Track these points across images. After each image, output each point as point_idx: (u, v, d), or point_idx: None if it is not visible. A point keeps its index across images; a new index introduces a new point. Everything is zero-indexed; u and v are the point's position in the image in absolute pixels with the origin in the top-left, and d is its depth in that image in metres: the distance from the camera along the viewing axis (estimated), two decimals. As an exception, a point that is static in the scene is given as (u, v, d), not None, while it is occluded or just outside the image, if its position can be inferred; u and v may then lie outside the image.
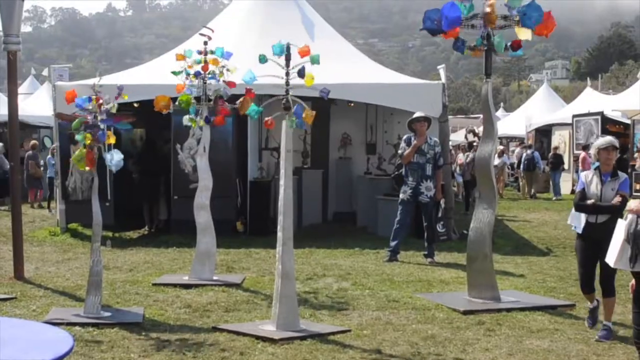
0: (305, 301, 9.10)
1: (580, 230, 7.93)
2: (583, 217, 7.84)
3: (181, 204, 14.05)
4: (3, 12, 10.77)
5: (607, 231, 7.13)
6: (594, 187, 7.76)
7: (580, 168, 24.59)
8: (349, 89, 14.73)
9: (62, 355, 4.17)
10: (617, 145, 7.84)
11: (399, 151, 12.60)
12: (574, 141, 26.95)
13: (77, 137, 8.37)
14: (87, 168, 8.42)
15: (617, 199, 7.57)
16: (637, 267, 5.75)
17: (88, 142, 8.34)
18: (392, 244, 12.29)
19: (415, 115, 12.49)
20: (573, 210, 7.97)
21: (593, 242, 7.68)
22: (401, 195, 12.42)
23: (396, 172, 13.03)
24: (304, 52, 7.79)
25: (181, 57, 10.47)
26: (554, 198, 25.51)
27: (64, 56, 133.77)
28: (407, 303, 9.10)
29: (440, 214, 13.49)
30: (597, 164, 7.91)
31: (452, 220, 14.70)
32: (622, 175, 7.81)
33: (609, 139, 7.91)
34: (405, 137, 12.54)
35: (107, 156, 8.36)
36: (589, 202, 7.69)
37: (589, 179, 7.87)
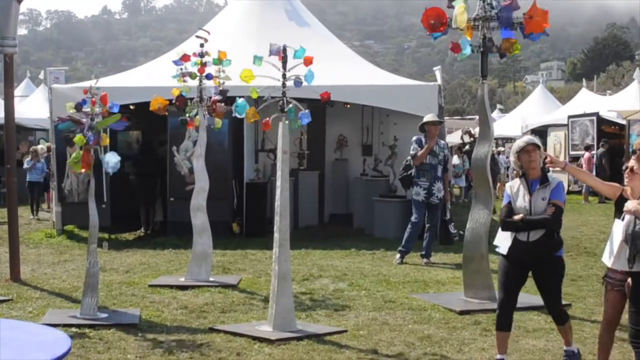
0: (301, 302, 9.12)
1: (504, 251, 6.70)
2: (510, 235, 6.65)
3: (177, 206, 14.07)
4: (-1, 14, 10.77)
5: (543, 250, 6.55)
6: (522, 199, 6.60)
7: (584, 168, 24.62)
8: (345, 91, 14.75)
9: (60, 357, 4.18)
10: (539, 143, 6.73)
11: (411, 152, 12.33)
12: (570, 142, 27.00)
13: (75, 138, 8.38)
14: (83, 170, 8.43)
15: (550, 210, 6.47)
16: (636, 267, 5.71)
17: (83, 143, 8.36)
18: (408, 245, 12.21)
19: (429, 119, 12.31)
20: (500, 229, 6.82)
21: (523, 264, 6.62)
22: (415, 197, 12.27)
23: (404, 174, 12.80)
24: (308, 62, 7.87)
25: (186, 59, 10.47)
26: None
27: (60, 59, 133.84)
28: (403, 303, 9.12)
29: (448, 215, 13.32)
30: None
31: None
32: (554, 180, 6.66)
33: (526, 138, 6.82)
34: (415, 138, 12.40)
35: (105, 158, 8.38)
36: (517, 217, 6.54)
37: (515, 189, 6.71)
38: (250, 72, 7.82)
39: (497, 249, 6.84)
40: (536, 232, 6.51)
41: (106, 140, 8.54)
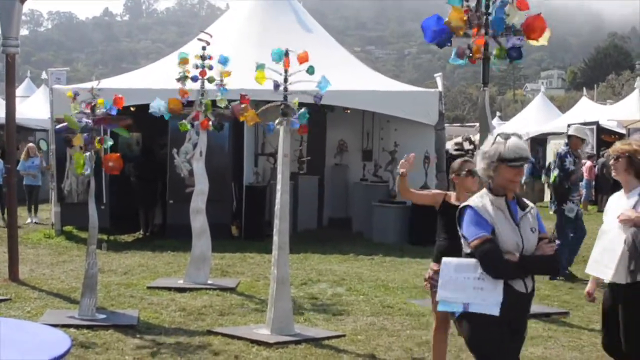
0: (299, 306, 9.12)
1: (496, 311, 4.36)
2: (498, 285, 4.38)
3: (176, 208, 14.06)
4: (2, 15, 10.78)
5: (528, 304, 4.58)
6: (510, 230, 4.43)
7: (585, 177, 24.50)
8: (346, 96, 14.77)
9: (59, 357, 4.17)
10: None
11: (571, 167, 11.41)
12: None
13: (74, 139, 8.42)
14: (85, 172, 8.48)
15: (549, 247, 4.48)
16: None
17: (78, 143, 8.42)
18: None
19: (580, 134, 11.65)
20: (444, 277, 4.50)
21: (517, 326, 4.60)
22: (569, 214, 11.56)
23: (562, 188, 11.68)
24: (303, 59, 7.86)
25: (185, 62, 10.48)
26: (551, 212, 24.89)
27: (61, 60, 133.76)
28: (401, 309, 9.12)
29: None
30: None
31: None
32: (529, 203, 4.67)
33: (513, 140, 4.50)
34: (564, 151, 11.56)
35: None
36: (512, 257, 4.36)
37: (492, 213, 4.43)
38: (263, 73, 7.84)
39: (453, 312, 4.53)
40: (529, 279, 4.52)
41: (107, 142, 8.57)
